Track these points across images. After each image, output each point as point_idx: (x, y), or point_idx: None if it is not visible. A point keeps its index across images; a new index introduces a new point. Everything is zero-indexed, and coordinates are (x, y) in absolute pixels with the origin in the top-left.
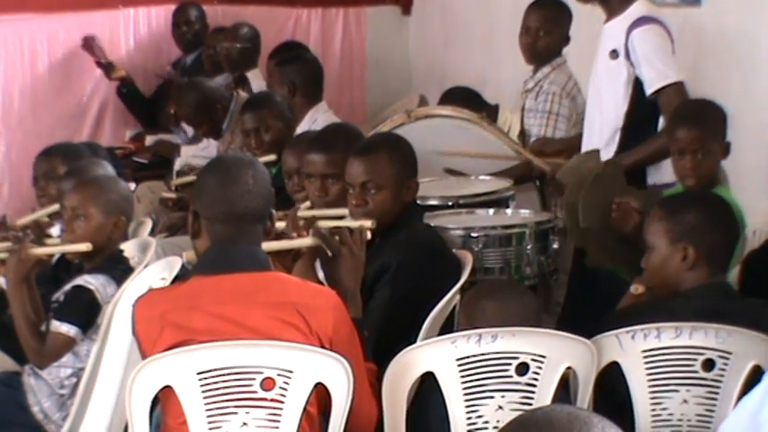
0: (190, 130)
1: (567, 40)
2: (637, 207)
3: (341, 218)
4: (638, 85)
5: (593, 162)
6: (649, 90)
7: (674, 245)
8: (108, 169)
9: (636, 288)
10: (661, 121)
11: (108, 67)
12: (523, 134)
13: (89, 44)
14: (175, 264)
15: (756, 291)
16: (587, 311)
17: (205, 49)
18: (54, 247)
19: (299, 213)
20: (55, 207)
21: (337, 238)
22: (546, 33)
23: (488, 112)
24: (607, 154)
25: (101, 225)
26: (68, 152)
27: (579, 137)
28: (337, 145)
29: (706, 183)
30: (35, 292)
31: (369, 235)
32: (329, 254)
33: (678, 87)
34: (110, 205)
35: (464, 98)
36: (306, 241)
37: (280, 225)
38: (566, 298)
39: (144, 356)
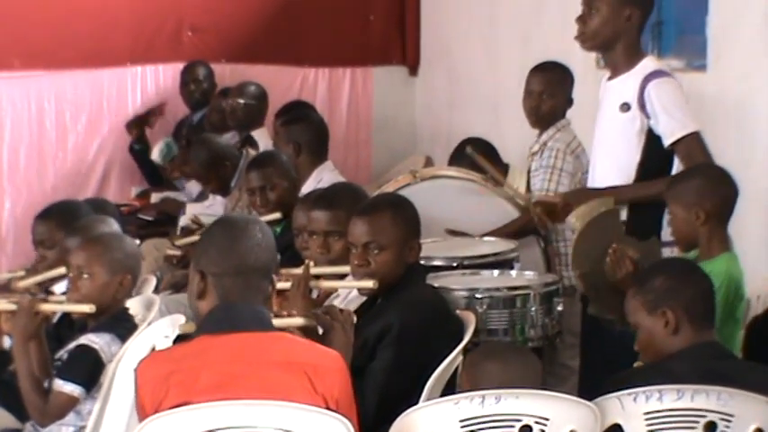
0: (195, 189)
1: (570, 102)
2: (632, 256)
3: (343, 276)
4: (650, 136)
5: (605, 208)
6: (669, 140)
7: (653, 314)
8: (114, 226)
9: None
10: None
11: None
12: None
13: (160, 110)
14: (179, 321)
15: (761, 356)
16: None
17: (209, 110)
18: (58, 305)
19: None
20: (59, 270)
21: (328, 316)
22: (549, 96)
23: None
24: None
25: (106, 284)
26: (65, 215)
27: None
28: (341, 203)
29: (684, 242)
30: (45, 349)
31: (354, 317)
32: (320, 332)
33: (697, 137)
34: (115, 264)
35: (485, 150)
36: (297, 321)
37: (284, 285)
38: (581, 363)
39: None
